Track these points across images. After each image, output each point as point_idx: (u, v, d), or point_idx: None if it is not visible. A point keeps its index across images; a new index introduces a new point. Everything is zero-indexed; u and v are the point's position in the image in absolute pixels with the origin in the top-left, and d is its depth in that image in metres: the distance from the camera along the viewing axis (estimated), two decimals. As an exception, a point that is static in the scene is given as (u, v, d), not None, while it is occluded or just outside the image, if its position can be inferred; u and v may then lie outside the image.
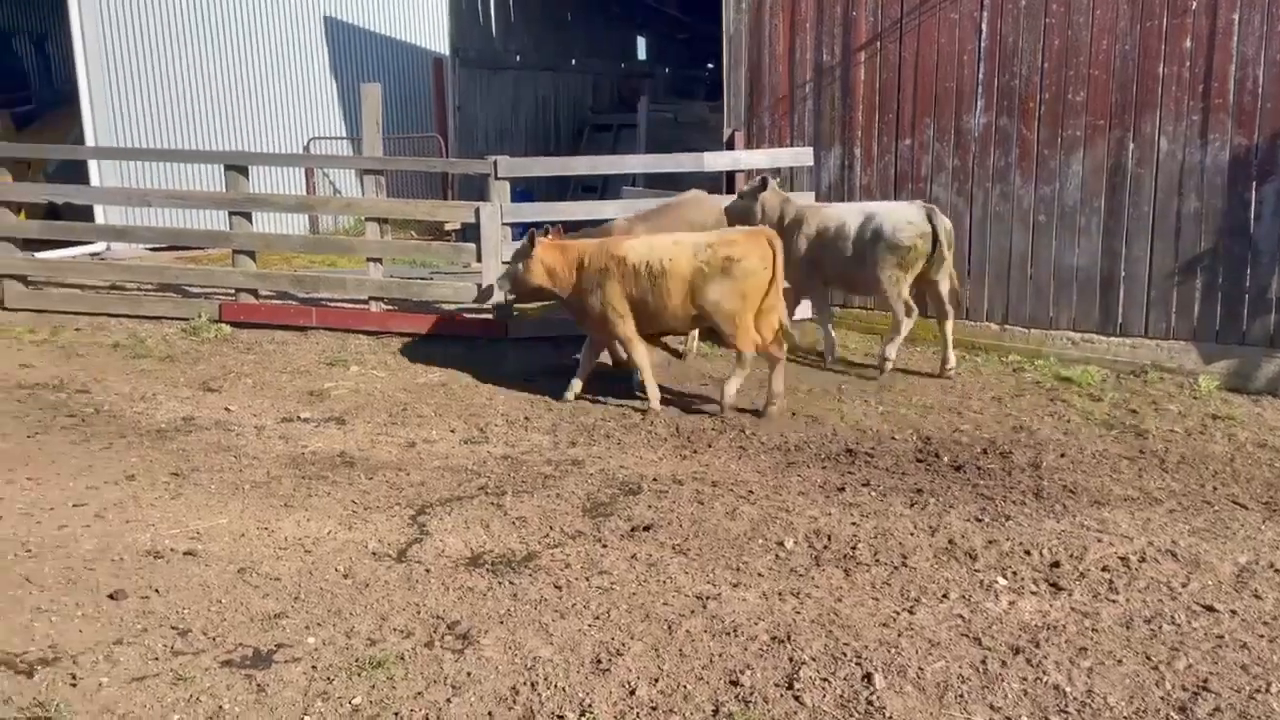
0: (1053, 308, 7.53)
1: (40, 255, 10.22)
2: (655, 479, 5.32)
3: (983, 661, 3.48)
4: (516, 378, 7.23)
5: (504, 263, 7.23)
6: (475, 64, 12.54)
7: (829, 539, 4.51)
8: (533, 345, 7.88)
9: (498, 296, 7.40)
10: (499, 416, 6.45)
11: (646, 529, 4.64)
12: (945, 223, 6.94)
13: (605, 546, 4.45)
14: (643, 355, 6.62)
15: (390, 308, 8.26)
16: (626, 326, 6.51)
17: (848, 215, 7.11)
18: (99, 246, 10.56)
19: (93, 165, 10.94)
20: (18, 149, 9.80)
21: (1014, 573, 4.19)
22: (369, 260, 8.20)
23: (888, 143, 7.98)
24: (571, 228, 7.92)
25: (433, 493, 5.12)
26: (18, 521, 4.63)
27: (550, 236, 6.85)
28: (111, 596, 3.89)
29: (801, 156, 8.15)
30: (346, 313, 8.24)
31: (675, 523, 4.72)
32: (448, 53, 12.67)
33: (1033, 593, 4.02)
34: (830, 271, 7.21)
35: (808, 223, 7.17)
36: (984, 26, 7.54)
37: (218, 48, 12.26)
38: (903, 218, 6.89)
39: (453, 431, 6.16)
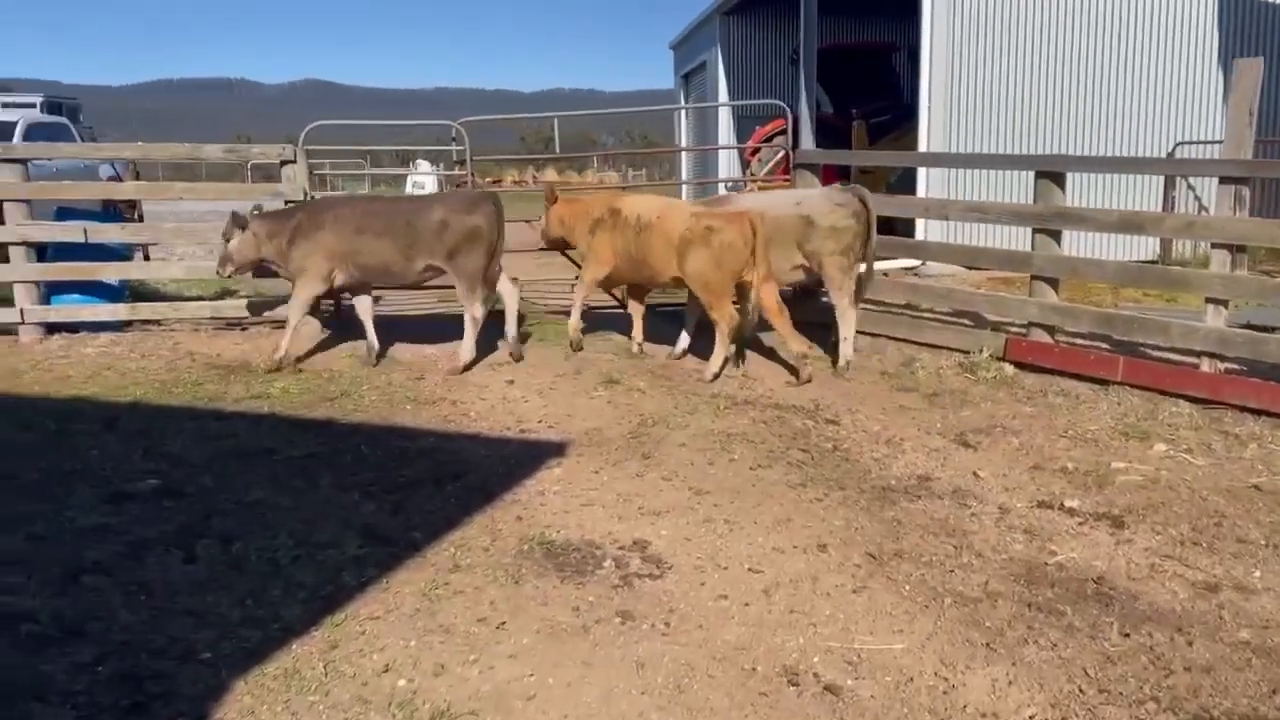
0: None
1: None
2: None
3: None
4: None
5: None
6: None
7: None
8: None
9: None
10: (1381, 572, 3.97)
11: None
12: None
13: None
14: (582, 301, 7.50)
15: (1232, 369, 5.99)
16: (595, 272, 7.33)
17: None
18: (914, 261, 10.10)
19: (920, 175, 10.49)
20: (832, 155, 9.73)
21: None
22: (1208, 301, 6.04)
23: None
24: None
25: (1220, 697, 3.12)
26: (686, 577, 3.99)
27: None
28: (700, 737, 2.92)
29: None
30: (1164, 369, 6.22)
31: None
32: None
33: None
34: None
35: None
36: None
37: (1073, 45, 10.82)
38: None
39: (1289, 582, 3.92)
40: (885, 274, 9.81)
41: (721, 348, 6.85)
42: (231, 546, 4.13)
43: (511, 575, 3.95)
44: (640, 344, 7.61)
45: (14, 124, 12.47)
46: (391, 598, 3.75)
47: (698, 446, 5.54)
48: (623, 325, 8.03)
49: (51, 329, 7.78)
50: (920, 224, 10.45)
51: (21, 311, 7.62)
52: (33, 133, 12.32)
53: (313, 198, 7.92)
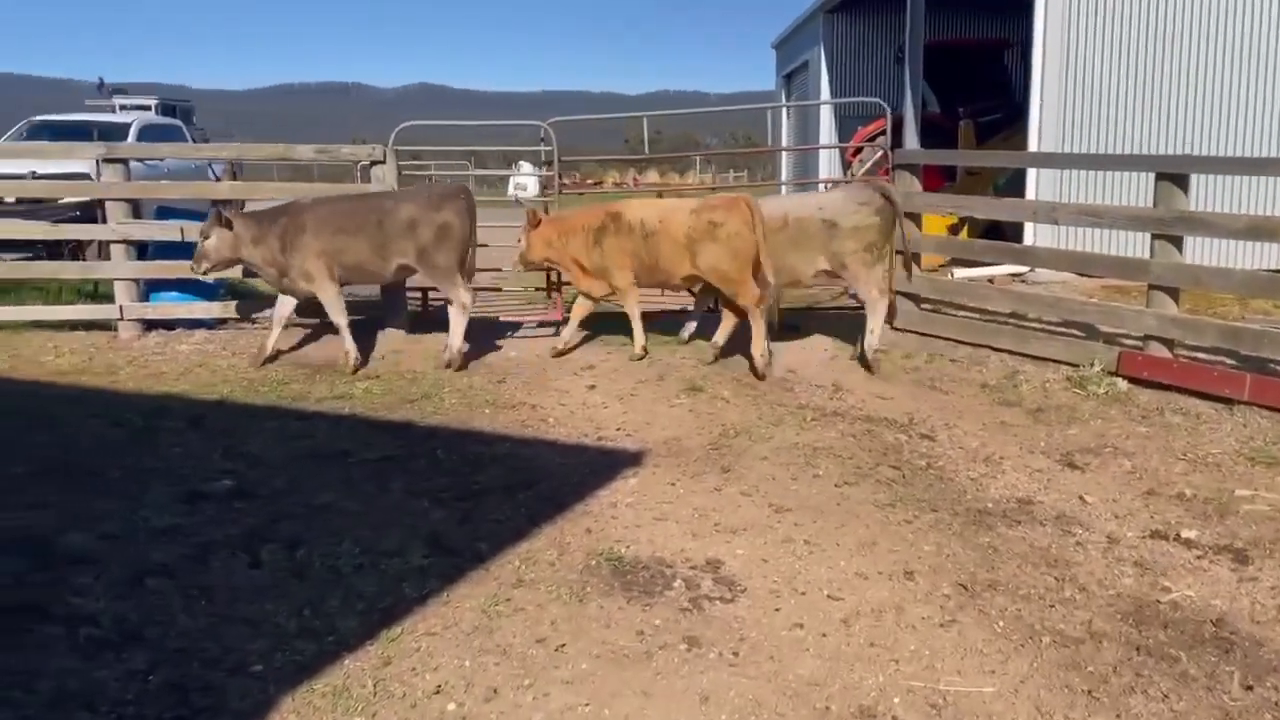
0: None
1: (960, 273, 9.69)
2: None
3: None
4: None
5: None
6: None
7: None
8: None
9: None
10: None
11: None
12: None
13: None
14: (635, 304, 7.37)
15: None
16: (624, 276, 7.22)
17: None
18: (1021, 268, 9.60)
19: (1030, 176, 9.98)
20: (930, 155, 9.29)
21: None
22: (1351, 314, 5.52)
23: None
24: None
25: (1364, 769, 2.76)
26: (760, 602, 3.76)
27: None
28: (762, 784, 2.70)
29: None
30: (1297, 387, 5.71)
31: None
32: None
33: None
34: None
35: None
36: None
37: (1200, 37, 10.13)
38: None
39: None
40: (990, 280, 9.39)
41: (760, 333, 6.89)
42: (296, 552, 4.07)
43: (576, 593, 3.79)
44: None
45: (128, 125, 12.93)
46: (451, 612, 3.62)
47: (781, 460, 5.29)
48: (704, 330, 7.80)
49: (150, 325, 7.97)
50: (1029, 228, 9.95)
51: (121, 308, 7.82)
52: (145, 134, 12.74)
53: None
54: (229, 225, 6.94)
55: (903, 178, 7.68)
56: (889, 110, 8.69)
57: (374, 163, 7.73)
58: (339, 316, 7.09)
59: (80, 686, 3.07)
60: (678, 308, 8.43)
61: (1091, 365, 6.51)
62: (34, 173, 9.97)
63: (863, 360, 7.10)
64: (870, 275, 7.04)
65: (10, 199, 9.83)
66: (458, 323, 7.13)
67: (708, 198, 7.38)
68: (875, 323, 7.07)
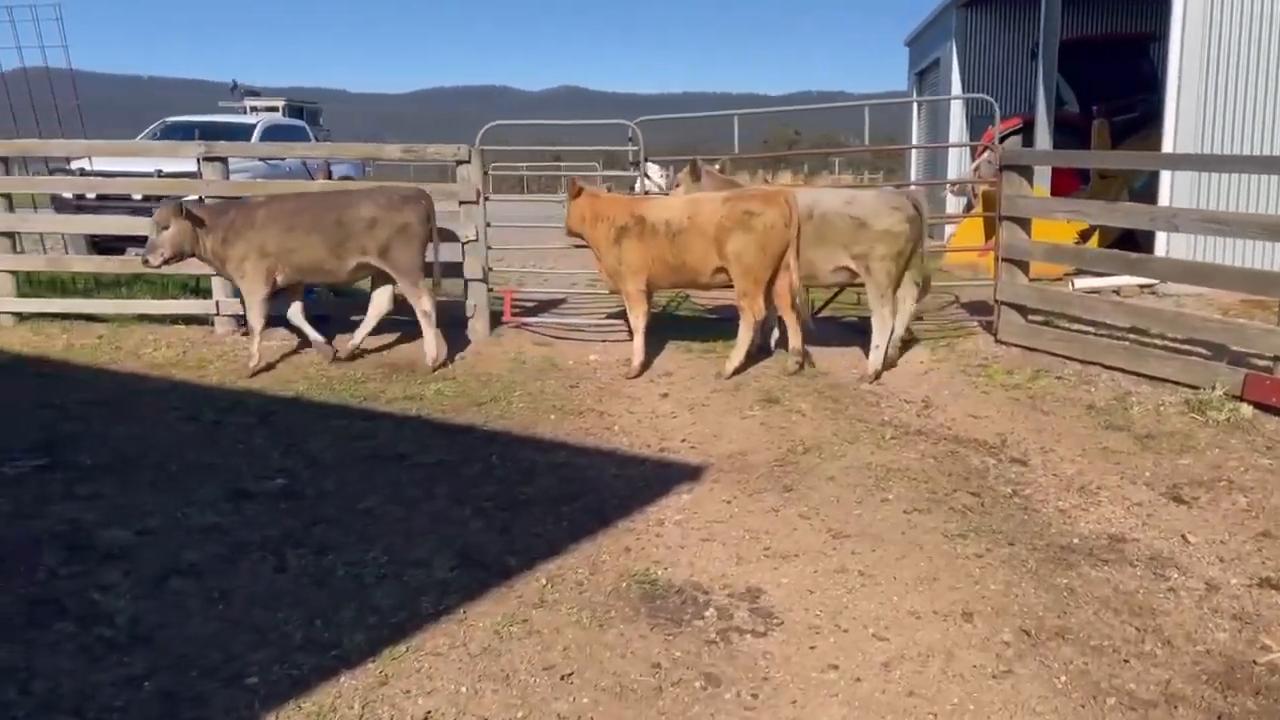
0: None
1: (1079, 284, 9.07)
2: None
3: None
4: None
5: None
6: None
7: None
8: None
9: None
10: None
11: None
12: None
13: None
14: (640, 316, 6.98)
15: None
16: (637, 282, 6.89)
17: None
18: (1151, 280, 8.86)
19: (1164, 180, 9.20)
20: (1044, 156, 8.65)
21: None
22: None
23: None
24: None
25: None
26: (795, 637, 3.47)
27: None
28: None
29: None
30: None
31: None
32: None
33: None
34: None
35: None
36: None
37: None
38: None
39: None
40: (1116, 292, 8.72)
41: (744, 343, 6.84)
42: (324, 558, 3.99)
43: (597, 617, 3.57)
44: None
45: (253, 126, 13.43)
46: (463, 631, 3.46)
47: (849, 481, 4.94)
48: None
49: (244, 321, 8.14)
50: (1161, 237, 9.18)
51: (217, 304, 8.02)
52: (268, 134, 13.21)
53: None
54: (190, 217, 6.82)
55: (1010, 180, 7.15)
56: (997, 108, 8.14)
57: (459, 162, 7.70)
58: (256, 320, 7.02)
59: (75, 689, 3.04)
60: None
61: (1213, 388, 5.89)
62: (160, 171, 10.38)
63: (875, 378, 6.81)
64: (889, 290, 6.77)
65: (138, 195, 10.29)
66: (428, 330, 7.07)
67: (744, 189, 7.19)
68: (881, 339, 6.84)
